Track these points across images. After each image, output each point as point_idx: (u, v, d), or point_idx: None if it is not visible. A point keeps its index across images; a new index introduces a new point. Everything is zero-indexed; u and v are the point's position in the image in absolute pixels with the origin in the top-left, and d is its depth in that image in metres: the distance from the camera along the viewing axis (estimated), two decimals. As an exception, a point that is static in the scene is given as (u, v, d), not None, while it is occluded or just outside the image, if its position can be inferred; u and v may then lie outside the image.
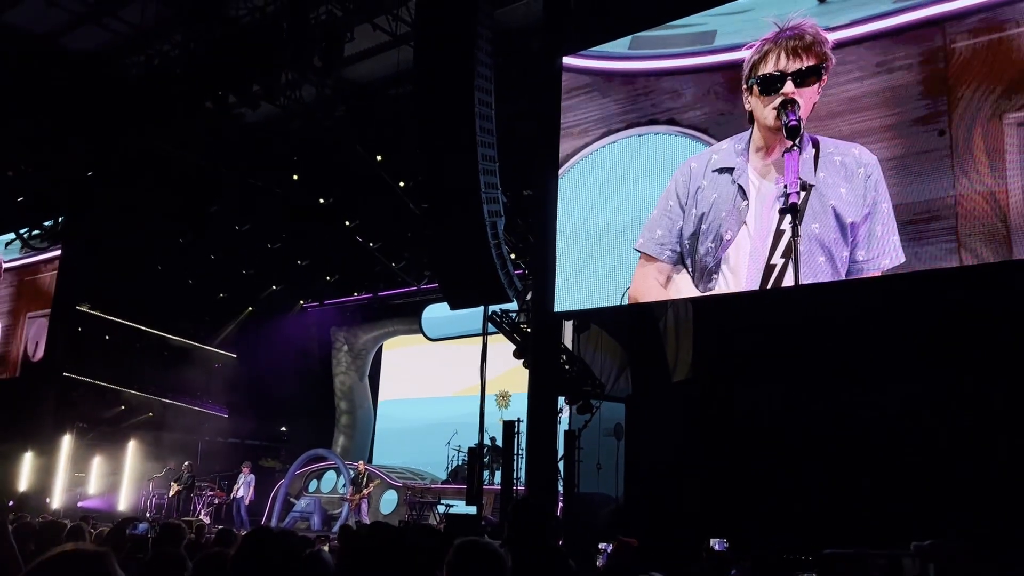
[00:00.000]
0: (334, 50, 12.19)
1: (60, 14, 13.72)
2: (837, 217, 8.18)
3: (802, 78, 8.47)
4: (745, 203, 8.81)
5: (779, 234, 8.42)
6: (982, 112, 7.63)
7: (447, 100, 9.96)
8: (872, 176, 8.09)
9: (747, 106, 8.98)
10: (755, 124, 8.90)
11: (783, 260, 8.31)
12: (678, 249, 9.30)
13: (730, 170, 9.02)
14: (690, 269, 9.16)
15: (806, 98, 8.49)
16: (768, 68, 8.69)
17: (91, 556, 2.01)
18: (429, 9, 10.26)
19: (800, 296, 8.52)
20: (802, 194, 8.27)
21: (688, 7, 9.79)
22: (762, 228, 8.63)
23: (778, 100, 8.52)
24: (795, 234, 8.17)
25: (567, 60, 10.73)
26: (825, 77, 8.45)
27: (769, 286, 8.43)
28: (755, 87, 8.75)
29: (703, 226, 9.08)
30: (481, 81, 9.73)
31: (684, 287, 9.22)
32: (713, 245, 8.95)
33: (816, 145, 8.45)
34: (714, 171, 9.14)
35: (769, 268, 8.44)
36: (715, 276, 8.88)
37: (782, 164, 8.51)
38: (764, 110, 8.70)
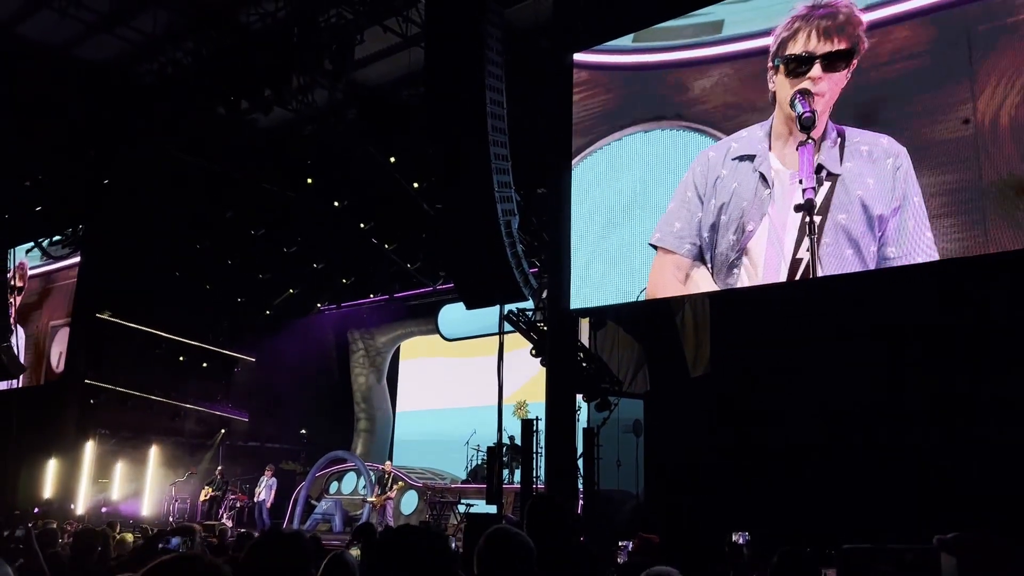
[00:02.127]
0: (345, 53, 12.21)
1: (73, 25, 13.82)
2: (865, 208, 7.85)
3: (831, 62, 8.12)
4: (768, 192, 8.48)
5: (804, 227, 8.11)
6: (1009, 98, 7.31)
7: (458, 100, 9.95)
8: (902, 167, 7.76)
9: (771, 86, 8.64)
10: (777, 107, 8.59)
11: (809, 254, 8.02)
12: (697, 242, 9.00)
13: (751, 157, 8.68)
14: (710, 262, 8.87)
15: (833, 83, 8.15)
16: (796, 48, 8.32)
17: (209, 565, 2.04)
18: (439, 10, 10.25)
19: (821, 289, 8.35)
20: (825, 185, 7.99)
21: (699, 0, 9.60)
22: (786, 219, 8.30)
23: (802, 84, 8.21)
24: (811, 231, 7.94)
25: (575, 56, 10.67)
26: (855, 62, 8.09)
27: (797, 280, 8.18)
28: (781, 67, 8.41)
29: (723, 217, 8.77)
30: (492, 80, 9.72)
31: (704, 282, 8.94)
32: (735, 238, 8.64)
33: (841, 134, 8.14)
34: (734, 159, 8.81)
35: (795, 262, 8.15)
36: (736, 269, 8.60)
37: (799, 153, 8.26)
38: (785, 94, 8.39)
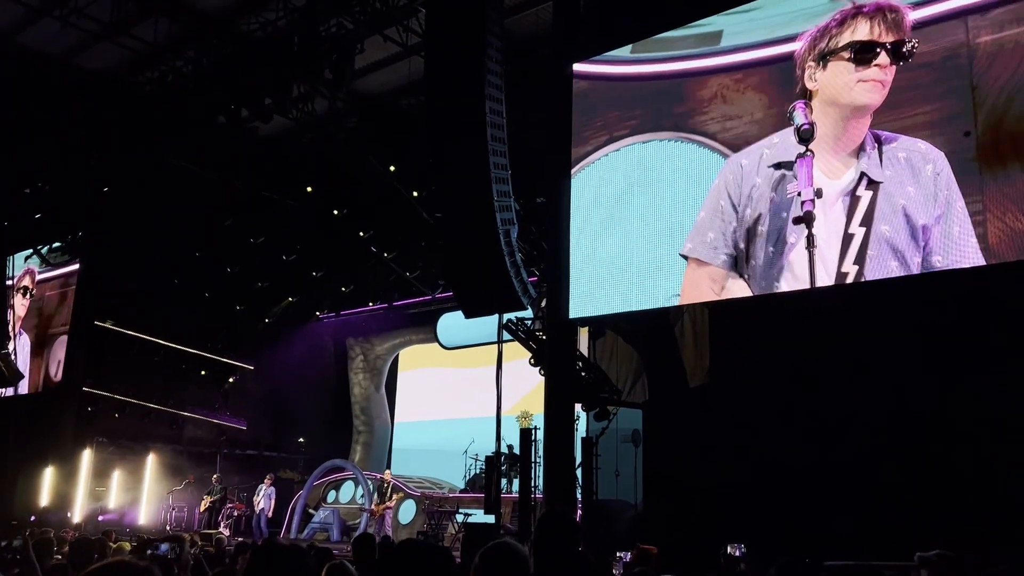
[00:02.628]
0: (345, 62, 12.25)
1: (75, 34, 13.88)
2: (908, 218, 7.60)
3: (897, 51, 7.85)
4: (819, 202, 8.15)
5: (848, 238, 7.89)
6: (1010, 111, 7.23)
7: (458, 109, 9.97)
8: (942, 173, 7.49)
9: (811, 84, 8.36)
10: (818, 102, 8.29)
11: (856, 267, 7.78)
12: (733, 253, 8.70)
13: (788, 164, 8.39)
14: (747, 275, 8.56)
15: (891, 77, 7.92)
16: (860, 36, 8.03)
17: (142, 570, 2.06)
18: (439, 19, 10.29)
19: (827, 300, 8.29)
20: (867, 194, 7.78)
21: (701, 10, 9.57)
22: (829, 231, 8.02)
23: (861, 74, 7.93)
24: (810, 244, 7.86)
25: (574, 67, 10.69)
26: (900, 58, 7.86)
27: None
28: (846, 53, 8.05)
29: (760, 228, 8.47)
30: (492, 90, 9.74)
31: (742, 293, 8.66)
32: (774, 250, 8.34)
33: (878, 139, 7.92)
34: (769, 166, 8.54)
35: (841, 276, 7.90)
36: (777, 284, 8.29)
37: (850, 156, 8.03)
38: (845, 82, 8.05)
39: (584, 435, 11.18)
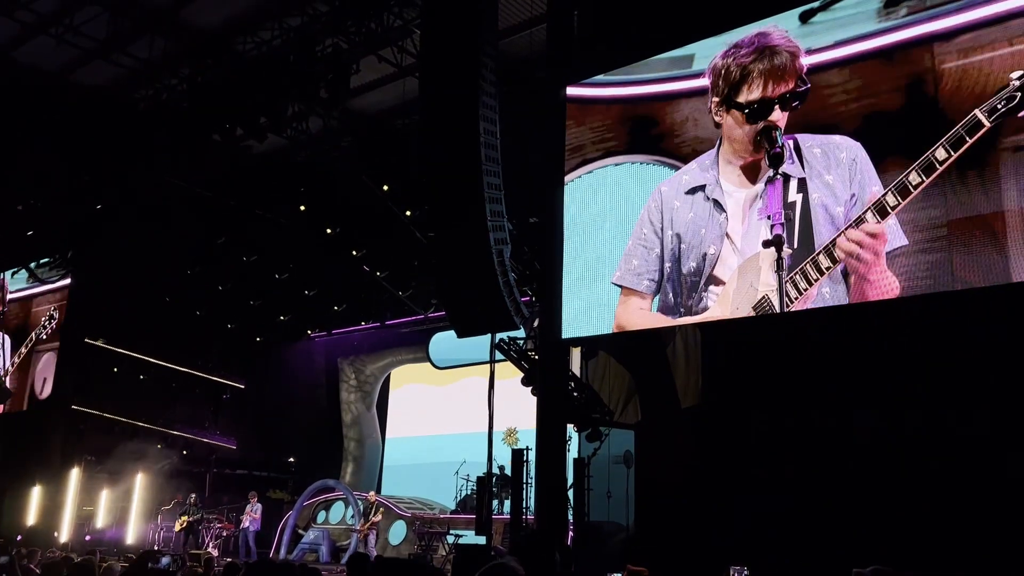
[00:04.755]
0: (340, 82, 12.32)
1: (69, 51, 13.91)
2: (826, 209, 7.98)
3: (787, 102, 8.31)
4: (723, 215, 8.68)
5: (774, 263, 8.13)
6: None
7: (452, 130, 10.03)
8: (857, 159, 7.84)
9: (717, 118, 8.84)
10: (724, 137, 8.79)
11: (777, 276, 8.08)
12: (656, 278, 9.20)
13: (702, 187, 8.93)
14: (672, 294, 9.03)
15: (786, 115, 8.40)
16: (754, 94, 8.47)
17: None
18: (434, 40, 10.36)
19: (802, 318, 8.36)
20: (798, 197, 8.11)
21: (690, 34, 9.57)
22: (749, 240, 8.45)
23: (761, 126, 8.38)
24: (780, 267, 7.97)
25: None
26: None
27: (777, 306, 8.15)
28: (738, 113, 8.55)
29: (683, 246, 8.96)
30: (486, 111, 9.80)
31: (666, 316, 9.11)
32: (695, 265, 8.83)
33: (796, 141, 8.30)
34: (686, 192, 9.07)
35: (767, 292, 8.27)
36: (705, 295, 8.72)
37: (755, 169, 8.45)
38: (741, 131, 8.58)
39: (576, 456, 11.15)
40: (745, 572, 7.75)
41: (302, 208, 17.00)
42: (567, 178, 10.36)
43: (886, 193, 7.66)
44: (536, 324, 11.86)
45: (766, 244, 8.18)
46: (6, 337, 18.47)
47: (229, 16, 12.97)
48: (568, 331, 10.20)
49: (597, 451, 10.98)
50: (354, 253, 17.48)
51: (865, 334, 8.65)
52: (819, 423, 9.03)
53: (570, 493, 10.62)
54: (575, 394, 11.07)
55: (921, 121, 7.69)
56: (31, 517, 16.21)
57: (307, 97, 12.97)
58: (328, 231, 17.28)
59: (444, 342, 18.67)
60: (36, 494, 16.39)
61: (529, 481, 11.61)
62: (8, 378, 17.80)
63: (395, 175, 15.14)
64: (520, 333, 11.87)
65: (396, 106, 14.54)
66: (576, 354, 11.75)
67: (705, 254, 8.76)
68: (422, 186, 11.73)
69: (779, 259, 8.03)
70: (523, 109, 11.93)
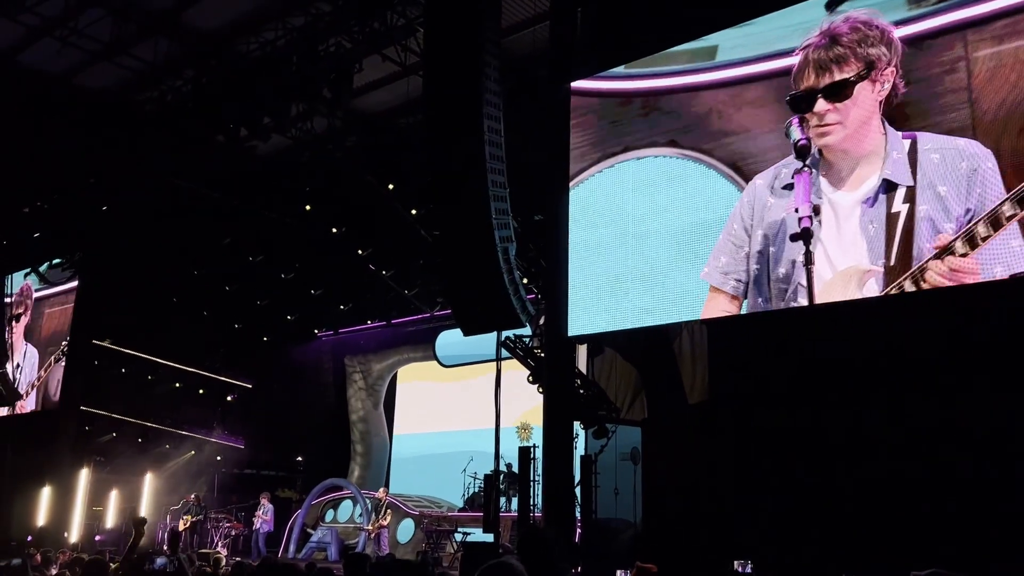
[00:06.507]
0: (344, 81, 12.31)
1: (74, 54, 13.94)
2: (932, 224, 7.34)
3: (834, 92, 7.94)
4: (817, 219, 8.09)
5: (805, 256, 7.92)
6: (1010, 126, 7.08)
7: (456, 128, 10.02)
8: (978, 169, 7.14)
9: None
10: None
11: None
12: (743, 279, 8.57)
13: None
14: (761, 299, 8.41)
15: (859, 102, 7.89)
16: (800, 85, 8.24)
17: None
18: (437, 39, 10.35)
19: (830, 315, 8.24)
20: (898, 201, 7.59)
21: (699, 29, 9.48)
22: (844, 246, 7.90)
23: (811, 120, 8.10)
24: (808, 261, 7.82)
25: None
26: (876, 76, 7.78)
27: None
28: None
29: (772, 248, 8.36)
30: (490, 108, 9.78)
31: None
32: (784, 271, 8.24)
33: (913, 142, 7.66)
34: (783, 187, 8.45)
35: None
36: (793, 303, 8.15)
37: (858, 174, 7.92)
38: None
39: (583, 453, 11.14)
40: (749, 566, 7.75)
41: (307, 208, 17.04)
42: (588, 172, 10.22)
43: (977, 222, 7.08)
44: (542, 321, 11.85)
45: (793, 238, 7.98)
46: (33, 349, 18.48)
47: (232, 17, 12.97)
48: (574, 328, 10.19)
49: (604, 448, 10.97)
50: (359, 252, 17.50)
51: (876, 332, 8.56)
52: (827, 420, 8.99)
53: (577, 490, 10.61)
54: (581, 391, 11.06)
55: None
56: (41, 518, 16.28)
57: (311, 97, 12.98)
58: (333, 230, 17.30)
59: (450, 340, 18.67)
60: (46, 495, 16.46)
61: (536, 479, 11.60)
62: (35, 391, 17.82)
63: (400, 174, 15.15)
64: (526, 331, 11.86)
65: (400, 105, 14.54)
66: (582, 351, 11.74)
67: (795, 261, 8.18)
68: (426, 185, 11.72)
69: (808, 252, 7.87)
70: (528, 106, 11.92)
